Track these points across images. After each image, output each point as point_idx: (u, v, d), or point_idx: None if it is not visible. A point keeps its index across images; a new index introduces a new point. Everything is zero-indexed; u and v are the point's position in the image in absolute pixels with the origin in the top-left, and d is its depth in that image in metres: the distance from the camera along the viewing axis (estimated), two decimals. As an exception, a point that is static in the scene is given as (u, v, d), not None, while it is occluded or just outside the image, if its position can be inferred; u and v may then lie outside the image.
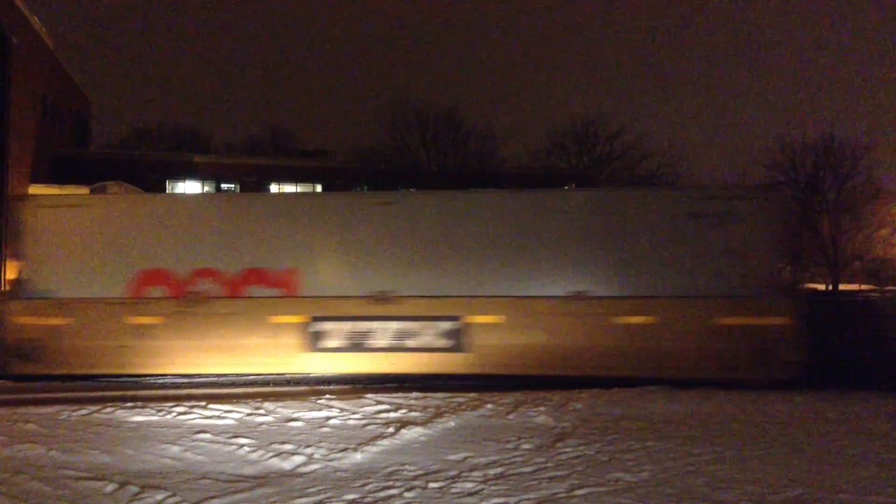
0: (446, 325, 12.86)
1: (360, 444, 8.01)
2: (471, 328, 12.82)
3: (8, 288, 13.57)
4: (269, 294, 13.20)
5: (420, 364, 12.94)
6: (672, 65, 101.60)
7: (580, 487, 6.36)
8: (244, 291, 13.21)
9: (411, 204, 13.92)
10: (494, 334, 12.77)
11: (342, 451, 7.75)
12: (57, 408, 10.08)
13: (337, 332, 13.00)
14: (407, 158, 37.21)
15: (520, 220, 13.27)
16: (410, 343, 12.93)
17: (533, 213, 13.31)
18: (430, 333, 12.90)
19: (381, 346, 12.97)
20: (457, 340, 12.84)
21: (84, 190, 25.86)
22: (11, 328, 13.25)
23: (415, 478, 6.72)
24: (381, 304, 12.96)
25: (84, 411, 9.80)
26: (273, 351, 13.01)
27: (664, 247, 12.78)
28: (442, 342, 12.88)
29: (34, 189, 26.36)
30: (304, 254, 13.33)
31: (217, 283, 13.24)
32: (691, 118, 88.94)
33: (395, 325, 12.95)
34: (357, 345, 12.99)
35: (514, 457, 7.55)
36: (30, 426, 8.85)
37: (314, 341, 13.01)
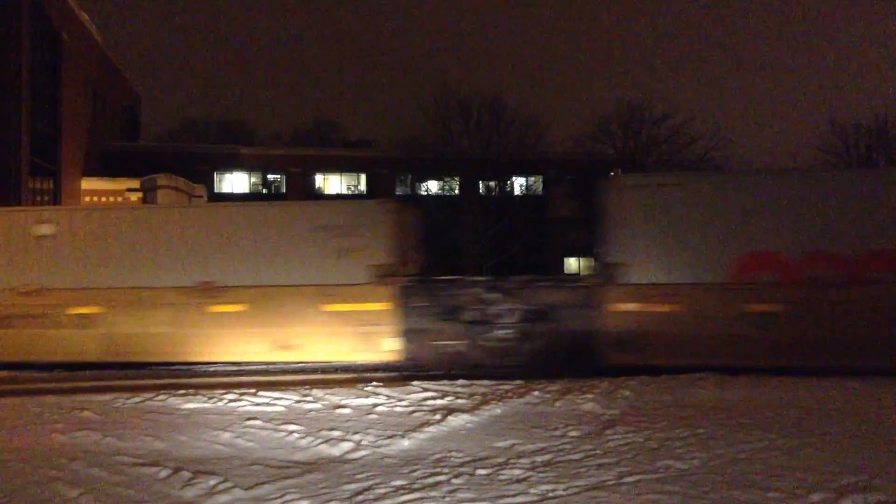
0: None
1: (407, 431, 8.05)
2: None
3: (599, 273, 12.66)
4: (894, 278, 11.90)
5: None
6: (720, 45, 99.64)
7: (629, 475, 6.30)
8: (865, 276, 11.93)
9: None
10: None
11: (390, 437, 7.80)
12: (112, 395, 10.36)
13: None
14: (450, 146, 37.12)
15: None
16: None
17: None
18: None
19: None
20: None
21: (134, 183, 26.33)
22: (612, 316, 12.47)
23: (462, 464, 6.73)
24: None
25: (138, 399, 10.04)
26: None
27: None
28: None
29: (86, 183, 26.93)
30: None
31: (833, 267, 12.02)
32: (740, 100, 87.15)
33: None
34: None
35: (562, 444, 7.51)
36: (85, 413, 9.10)
37: None
